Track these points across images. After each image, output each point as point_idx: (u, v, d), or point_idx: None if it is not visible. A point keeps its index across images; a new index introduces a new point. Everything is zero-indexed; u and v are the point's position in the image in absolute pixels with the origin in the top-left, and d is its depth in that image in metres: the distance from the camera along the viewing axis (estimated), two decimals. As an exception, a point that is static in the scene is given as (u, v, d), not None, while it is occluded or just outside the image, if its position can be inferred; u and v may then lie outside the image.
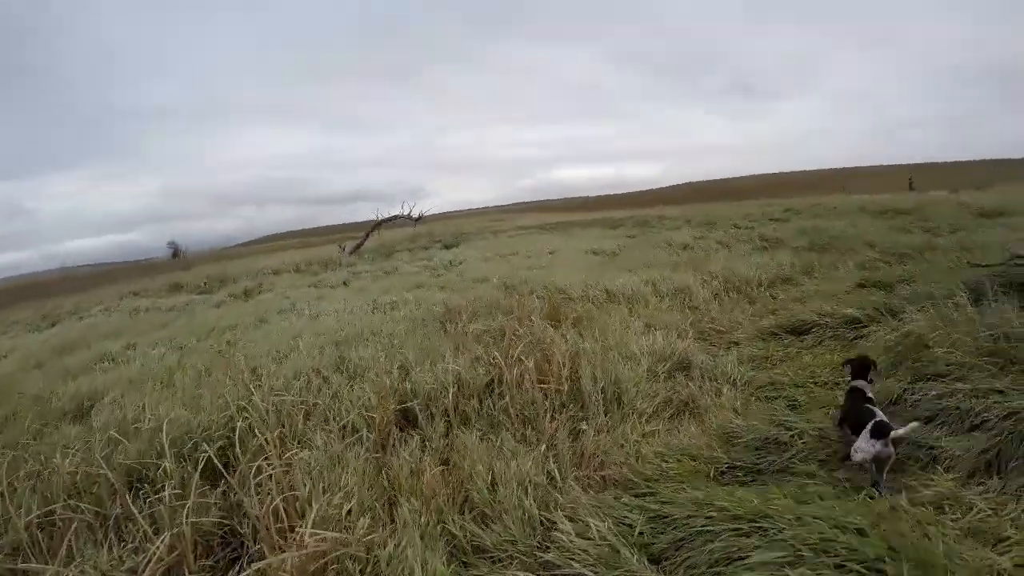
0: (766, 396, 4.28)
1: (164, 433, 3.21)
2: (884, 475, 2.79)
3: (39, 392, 6.33)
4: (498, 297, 7.62)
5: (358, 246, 28.67)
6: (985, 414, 3.10)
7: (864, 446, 2.76)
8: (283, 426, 3.59)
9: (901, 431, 2.75)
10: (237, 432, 3.22)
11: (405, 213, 28.87)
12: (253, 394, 3.84)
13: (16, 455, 3.49)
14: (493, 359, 4.40)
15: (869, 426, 2.78)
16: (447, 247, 24.39)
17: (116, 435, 3.58)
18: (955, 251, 8.45)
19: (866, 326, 5.31)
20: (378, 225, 30.39)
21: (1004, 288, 4.77)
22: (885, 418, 2.85)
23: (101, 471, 3.10)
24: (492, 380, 4.26)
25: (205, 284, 21.00)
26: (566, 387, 4.09)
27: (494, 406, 3.94)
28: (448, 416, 3.87)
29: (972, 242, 9.10)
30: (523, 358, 4.26)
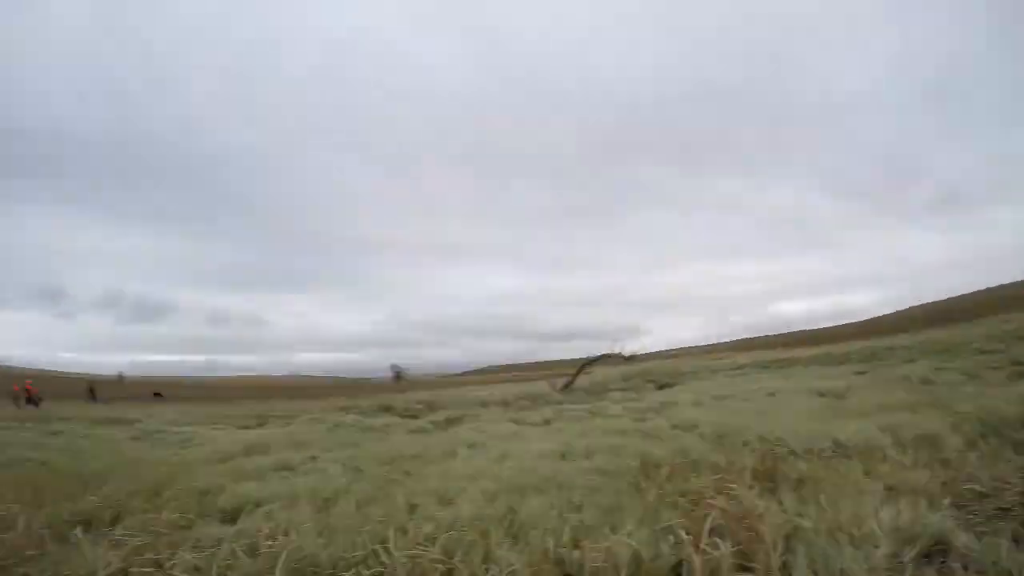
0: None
1: (280, 562, 3.13)
2: None
3: (204, 487, 6.52)
4: (705, 450, 6.67)
5: (568, 384, 28.73)
6: None
7: None
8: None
9: None
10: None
11: (616, 351, 28.54)
12: (389, 542, 3.46)
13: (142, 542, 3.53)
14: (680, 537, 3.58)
15: None
16: (660, 388, 23.40)
17: (239, 549, 3.55)
18: None
19: None
20: (589, 363, 30.42)
21: None
22: None
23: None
24: (680, 563, 3.42)
25: (411, 409, 21.94)
26: (774, 580, 3.08)
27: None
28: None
29: None
30: (719, 540, 3.42)
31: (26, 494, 6.00)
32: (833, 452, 5.92)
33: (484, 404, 21.77)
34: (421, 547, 3.60)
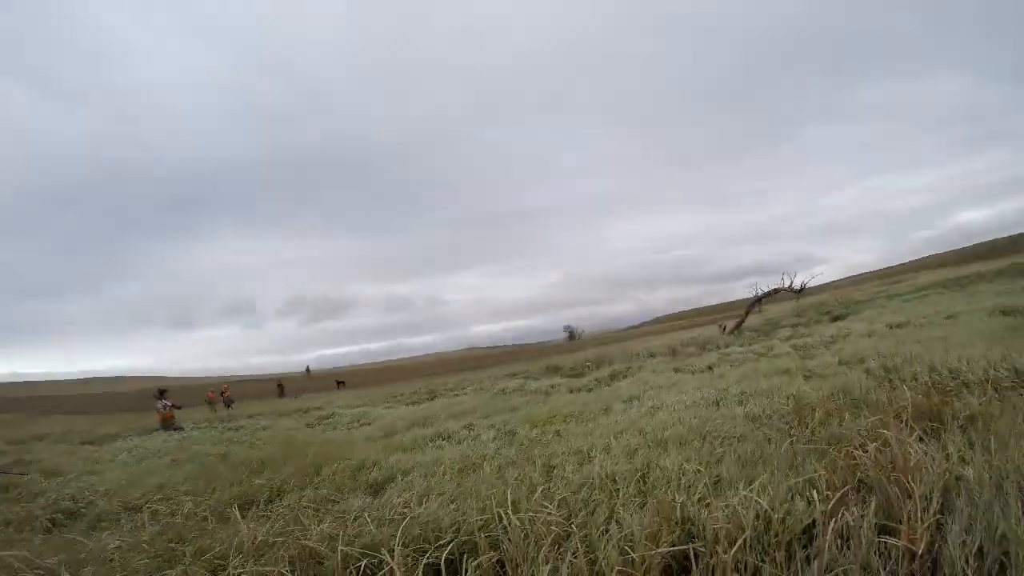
0: None
1: (400, 528, 3.30)
2: None
3: (362, 460, 6.92)
4: (870, 386, 6.02)
5: (737, 325, 27.50)
6: None
7: None
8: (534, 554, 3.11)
9: None
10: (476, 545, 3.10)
11: (786, 286, 26.62)
12: (508, 507, 3.45)
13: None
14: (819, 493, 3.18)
15: None
16: (835, 319, 21.74)
17: (367, 518, 3.72)
18: None
19: None
20: (757, 301, 28.79)
21: None
22: None
23: (332, 548, 3.27)
24: (813, 523, 2.99)
25: (579, 367, 22.07)
26: (921, 547, 2.62)
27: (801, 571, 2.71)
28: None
29: None
30: (865, 496, 3.05)
31: (199, 483, 6.76)
32: (1013, 383, 5.03)
33: (652, 355, 21.36)
34: (541, 509, 3.50)
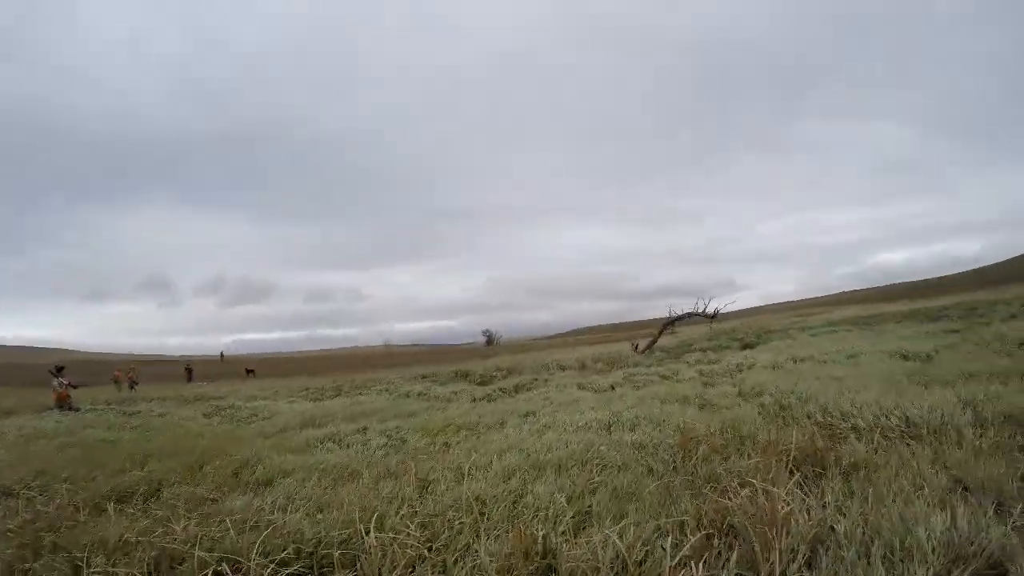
0: None
1: (260, 539, 3.29)
2: None
3: (244, 460, 6.67)
4: (761, 423, 6.05)
5: (650, 345, 28.04)
6: None
7: None
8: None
9: None
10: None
11: (700, 310, 27.30)
12: (372, 524, 3.43)
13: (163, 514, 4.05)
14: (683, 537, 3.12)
15: None
16: (745, 347, 22.47)
17: (230, 523, 3.67)
18: None
19: None
20: (672, 323, 29.41)
21: None
22: None
23: (193, 551, 3.25)
24: (680, 564, 2.87)
25: (487, 376, 22.02)
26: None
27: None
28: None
29: None
30: (715, 543, 2.99)
31: (81, 471, 6.37)
32: (902, 431, 5.09)
33: (562, 368, 21.59)
34: (403, 529, 3.46)
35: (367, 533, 3.31)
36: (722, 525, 3.31)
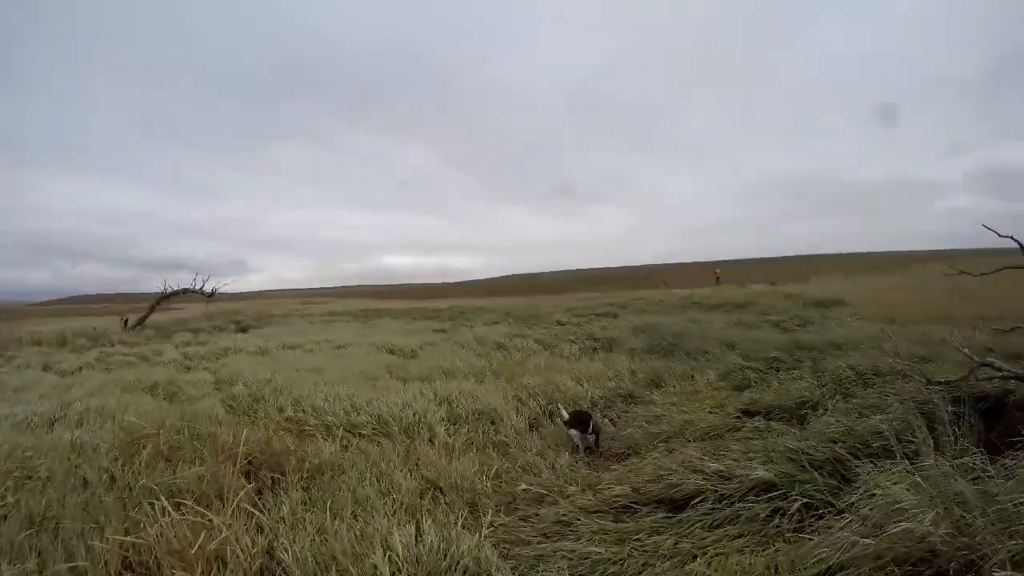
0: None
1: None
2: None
3: None
4: (223, 417, 5.04)
5: (140, 321, 24.50)
6: None
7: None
8: None
9: None
10: None
11: (196, 288, 24.80)
12: None
13: None
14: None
15: None
16: (241, 330, 21.39)
17: None
18: (829, 351, 7.19)
19: (787, 495, 3.04)
20: (164, 298, 26.03)
21: (959, 412, 3.51)
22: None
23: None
24: None
25: None
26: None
27: None
28: None
29: (837, 337, 8.18)
30: None
31: None
32: (374, 429, 4.75)
33: (37, 343, 18.29)
34: None
35: None
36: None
